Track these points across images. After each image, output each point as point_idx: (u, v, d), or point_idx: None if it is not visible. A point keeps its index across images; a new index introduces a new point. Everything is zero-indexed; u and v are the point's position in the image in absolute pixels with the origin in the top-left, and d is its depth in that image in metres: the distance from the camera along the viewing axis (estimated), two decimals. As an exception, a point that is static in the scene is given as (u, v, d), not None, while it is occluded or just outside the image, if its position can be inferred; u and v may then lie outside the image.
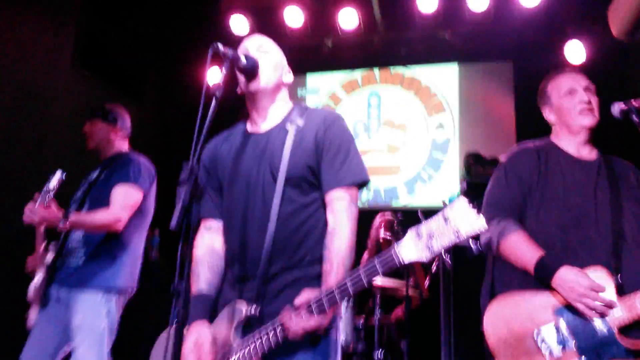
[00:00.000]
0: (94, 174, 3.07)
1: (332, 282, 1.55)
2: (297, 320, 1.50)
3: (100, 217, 2.76)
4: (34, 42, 4.42)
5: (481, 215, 1.38)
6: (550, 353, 1.83)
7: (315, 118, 1.81)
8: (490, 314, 1.96)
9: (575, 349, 1.81)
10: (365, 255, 4.82)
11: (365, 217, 5.05)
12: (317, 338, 1.62)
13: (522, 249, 1.94)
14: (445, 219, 1.40)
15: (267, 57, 1.83)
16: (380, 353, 3.83)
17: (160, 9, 5.85)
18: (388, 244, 4.85)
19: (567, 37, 5.36)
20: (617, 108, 1.97)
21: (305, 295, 1.54)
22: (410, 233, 1.44)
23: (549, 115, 2.25)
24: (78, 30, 4.87)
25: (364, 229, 4.86)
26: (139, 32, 5.77)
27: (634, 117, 1.82)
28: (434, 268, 4.26)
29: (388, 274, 4.49)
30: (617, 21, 4.33)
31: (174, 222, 1.32)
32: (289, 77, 1.94)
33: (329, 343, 1.65)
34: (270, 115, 1.88)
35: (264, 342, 1.57)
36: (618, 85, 5.24)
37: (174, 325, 1.35)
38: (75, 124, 4.86)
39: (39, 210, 2.70)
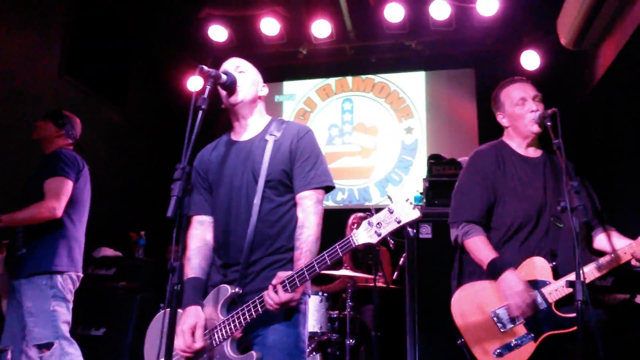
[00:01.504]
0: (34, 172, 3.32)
1: (301, 264, 1.85)
2: (273, 296, 1.80)
3: (36, 209, 3.06)
4: (23, 52, 4.63)
5: (416, 208, 1.72)
6: (504, 327, 2.22)
7: (290, 130, 2.11)
8: (456, 300, 2.34)
9: (523, 324, 2.19)
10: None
11: (340, 216, 5.37)
12: (290, 311, 1.93)
13: (480, 249, 2.30)
14: (390, 211, 1.75)
15: (244, 76, 2.15)
16: (352, 342, 4.13)
17: (142, 19, 6.08)
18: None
19: (523, 45, 5.75)
20: (537, 114, 2.31)
21: (280, 275, 1.84)
22: (364, 223, 1.78)
23: (502, 119, 2.55)
24: (64, 40, 5.07)
25: (340, 227, 5.13)
26: (122, 41, 5.97)
27: (547, 122, 2.17)
28: (401, 261, 4.56)
29: (359, 269, 4.81)
30: (564, 32, 4.73)
31: (170, 212, 1.61)
32: (264, 91, 2.24)
33: (298, 314, 1.97)
34: (251, 126, 2.17)
35: (246, 315, 1.87)
36: (568, 89, 5.66)
37: (166, 310, 1.64)
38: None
39: None
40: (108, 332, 4.22)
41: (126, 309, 4.25)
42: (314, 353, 4.22)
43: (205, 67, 1.88)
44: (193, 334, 1.92)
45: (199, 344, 1.91)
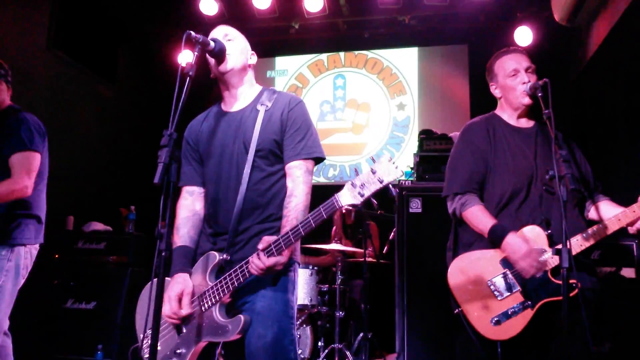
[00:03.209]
0: None
1: (287, 229, 1.85)
2: (257, 261, 1.81)
3: (7, 188, 2.79)
4: (10, 25, 4.55)
5: (398, 166, 1.71)
6: (501, 295, 2.23)
7: (281, 100, 2.09)
8: (453, 270, 2.35)
9: (520, 291, 2.21)
10: (334, 229, 5.16)
11: (331, 192, 5.35)
12: (278, 277, 1.94)
13: (479, 217, 2.30)
14: (373, 172, 1.73)
15: (233, 44, 2.11)
16: (342, 314, 4.18)
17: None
18: (350, 214, 5.20)
19: (516, 22, 5.71)
20: (528, 85, 2.31)
21: (265, 239, 1.84)
22: (347, 184, 1.77)
23: (494, 90, 2.54)
24: (52, 13, 4.99)
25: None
26: (111, 14, 5.89)
27: (538, 93, 2.16)
28: (391, 235, 4.60)
29: (349, 242, 4.83)
30: (558, 8, 4.70)
31: (157, 178, 1.59)
32: (253, 59, 2.21)
33: (287, 280, 1.98)
34: (241, 96, 2.14)
35: (234, 280, 1.88)
36: (561, 65, 5.65)
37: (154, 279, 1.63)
38: (51, 101, 5.03)
39: None
40: (99, 306, 4.22)
41: (117, 283, 4.25)
42: (304, 325, 4.27)
43: (193, 33, 1.84)
44: (180, 300, 1.92)
45: (185, 310, 1.92)
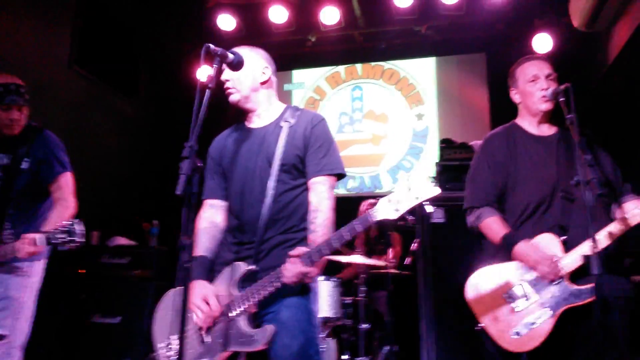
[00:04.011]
0: (3, 159, 2.91)
1: (319, 241, 1.89)
2: (291, 267, 1.84)
3: (68, 214, 2.84)
4: (33, 42, 4.66)
5: (436, 184, 1.77)
6: (518, 307, 2.22)
7: (304, 118, 2.16)
8: (470, 285, 2.36)
9: (538, 301, 2.19)
10: (357, 241, 5.14)
11: (351, 204, 5.36)
12: (303, 288, 1.96)
13: (493, 228, 2.34)
14: (408, 189, 1.77)
15: (234, 75, 2.14)
16: (366, 327, 4.14)
17: (150, 9, 6.10)
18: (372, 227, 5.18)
19: (534, 28, 5.66)
20: (550, 91, 2.30)
21: (299, 249, 1.88)
22: (383, 200, 1.81)
23: (514, 95, 2.56)
24: (73, 30, 5.10)
25: (351, 214, 5.11)
26: (131, 31, 6.00)
27: (560, 98, 2.15)
28: (414, 246, 4.55)
29: (371, 254, 4.80)
30: (577, 13, 4.66)
31: (179, 189, 1.61)
32: (266, 73, 2.21)
33: (311, 292, 2.00)
34: (264, 114, 2.22)
35: (261, 291, 1.91)
36: (581, 71, 5.58)
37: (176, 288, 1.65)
38: (73, 117, 5.13)
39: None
40: (124, 320, 4.27)
41: (141, 296, 4.29)
42: (328, 338, 4.24)
43: (212, 46, 1.88)
44: (207, 303, 1.96)
45: (216, 309, 1.95)
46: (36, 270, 2.92)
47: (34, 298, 2.91)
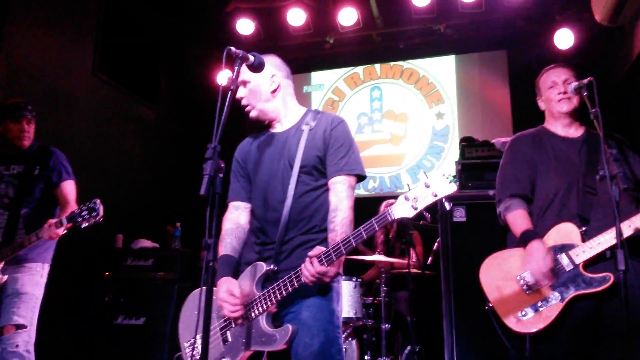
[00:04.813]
0: (15, 168, 3.26)
1: (338, 240, 1.89)
2: (310, 267, 1.85)
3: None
4: (56, 51, 4.77)
5: (454, 181, 1.74)
6: (530, 289, 2.28)
7: (324, 120, 2.19)
8: (484, 266, 2.44)
9: (549, 285, 2.24)
10: (376, 240, 5.14)
11: (372, 204, 5.34)
12: (324, 288, 1.96)
13: (517, 222, 2.41)
14: (427, 186, 1.76)
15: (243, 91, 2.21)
16: (388, 327, 4.13)
17: (170, 15, 6.20)
18: (392, 225, 5.16)
19: (556, 24, 5.59)
20: (572, 86, 2.31)
21: (317, 249, 1.90)
22: (400, 198, 1.80)
23: (540, 103, 2.68)
24: (96, 38, 5.20)
25: (372, 214, 5.09)
26: (151, 38, 6.10)
27: (583, 92, 2.14)
28: (435, 245, 4.53)
29: (391, 254, 4.79)
30: (599, 8, 4.59)
31: (202, 190, 1.64)
32: (275, 81, 2.22)
33: (331, 290, 2.01)
34: (284, 119, 2.27)
35: (282, 290, 1.93)
36: (604, 67, 5.49)
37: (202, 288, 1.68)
38: (96, 123, 5.23)
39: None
40: (148, 321, 4.31)
41: (165, 298, 4.34)
42: (350, 339, 4.24)
43: (233, 49, 1.91)
44: (232, 295, 1.99)
45: (242, 299, 1.98)
46: (46, 272, 3.20)
47: (41, 299, 3.16)
